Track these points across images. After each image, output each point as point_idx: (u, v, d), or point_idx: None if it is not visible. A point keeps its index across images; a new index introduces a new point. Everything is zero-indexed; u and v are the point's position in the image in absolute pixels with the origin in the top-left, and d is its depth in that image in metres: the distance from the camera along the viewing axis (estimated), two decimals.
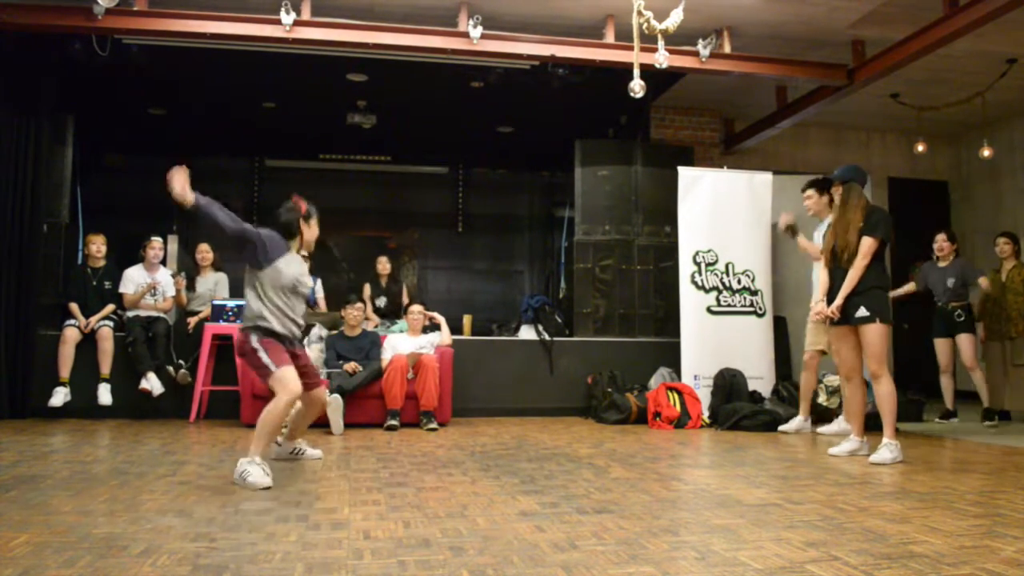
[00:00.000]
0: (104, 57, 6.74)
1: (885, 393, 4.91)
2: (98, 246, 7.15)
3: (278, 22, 6.25)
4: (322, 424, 6.03)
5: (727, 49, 6.90)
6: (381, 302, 8.14)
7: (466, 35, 6.49)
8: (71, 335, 6.75)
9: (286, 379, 4.08)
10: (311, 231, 4.50)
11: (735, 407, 6.71)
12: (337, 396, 6.07)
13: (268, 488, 3.78)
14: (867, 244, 4.93)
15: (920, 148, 8.74)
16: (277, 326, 4.21)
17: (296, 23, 6.29)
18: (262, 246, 4.19)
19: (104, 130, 9.33)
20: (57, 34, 6.59)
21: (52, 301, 7.08)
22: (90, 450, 5.08)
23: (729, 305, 7.45)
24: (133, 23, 6.31)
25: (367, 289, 8.18)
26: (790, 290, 8.21)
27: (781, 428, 6.29)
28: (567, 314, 8.21)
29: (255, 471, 3.86)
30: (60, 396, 6.60)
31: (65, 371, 6.68)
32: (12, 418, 6.58)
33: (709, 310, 7.41)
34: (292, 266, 4.32)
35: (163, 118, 9.49)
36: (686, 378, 7.24)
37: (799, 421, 6.33)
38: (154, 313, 7.06)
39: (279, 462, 4.55)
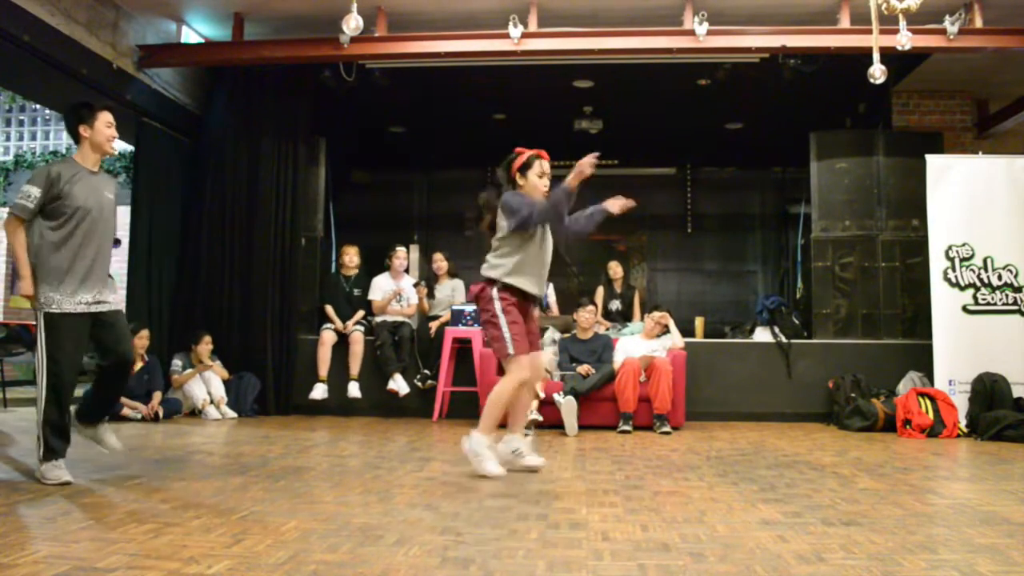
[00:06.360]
0: (350, 82, 7.32)
1: None
2: (351, 256, 7.76)
3: (506, 36, 6.47)
4: (557, 425, 6.17)
5: (978, 24, 6.33)
6: (615, 306, 8.17)
7: (692, 33, 6.40)
8: (328, 337, 7.34)
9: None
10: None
11: (997, 415, 6.14)
12: (571, 398, 6.18)
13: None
14: None
15: None
16: None
17: (524, 35, 6.48)
18: None
19: (351, 149, 10.03)
20: (309, 64, 7.22)
21: (310, 307, 7.72)
22: (345, 445, 5.48)
23: (988, 303, 6.82)
24: (375, 48, 6.79)
25: (600, 292, 8.25)
26: None
27: None
28: (805, 315, 7.86)
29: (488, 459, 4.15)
30: (320, 391, 7.19)
31: (324, 370, 7.27)
32: (278, 414, 7.27)
33: (965, 309, 6.83)
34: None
35: (402, 135, 10.08)
36: (939, 383, 6.69)
37: None
38: (399, 318, 7.50)
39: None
